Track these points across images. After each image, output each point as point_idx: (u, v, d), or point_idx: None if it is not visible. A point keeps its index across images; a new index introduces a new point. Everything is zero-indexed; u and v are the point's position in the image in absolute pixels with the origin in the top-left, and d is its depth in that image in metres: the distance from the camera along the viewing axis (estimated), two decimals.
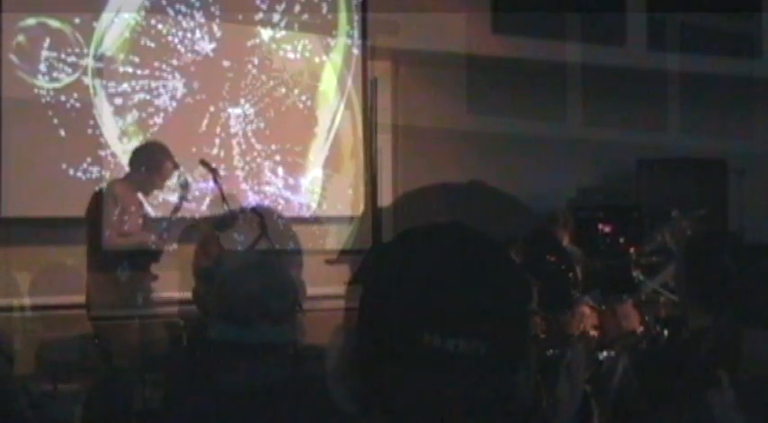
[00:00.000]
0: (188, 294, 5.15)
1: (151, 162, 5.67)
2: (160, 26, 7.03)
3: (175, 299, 5.54)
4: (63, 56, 6.71)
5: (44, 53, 6.65)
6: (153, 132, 6.89)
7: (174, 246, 5.69)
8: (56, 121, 6.66)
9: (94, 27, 6.81)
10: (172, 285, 5.63)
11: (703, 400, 2.31)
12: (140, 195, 5.73)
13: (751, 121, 9.28)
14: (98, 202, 5.68)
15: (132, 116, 6.90)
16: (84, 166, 6.71)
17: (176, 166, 5.80)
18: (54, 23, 6.69)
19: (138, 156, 5.75)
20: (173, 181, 5.89)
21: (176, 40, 7.07)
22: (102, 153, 6.77)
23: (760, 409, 2.32)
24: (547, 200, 7.66)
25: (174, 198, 5.96)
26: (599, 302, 5.90)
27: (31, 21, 6.62)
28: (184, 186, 5.75)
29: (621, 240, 7.75)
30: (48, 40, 6.66)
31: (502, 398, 1.08)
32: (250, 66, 7.32)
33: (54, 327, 6.18)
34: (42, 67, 6.65)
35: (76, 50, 6.75)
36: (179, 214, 5.74)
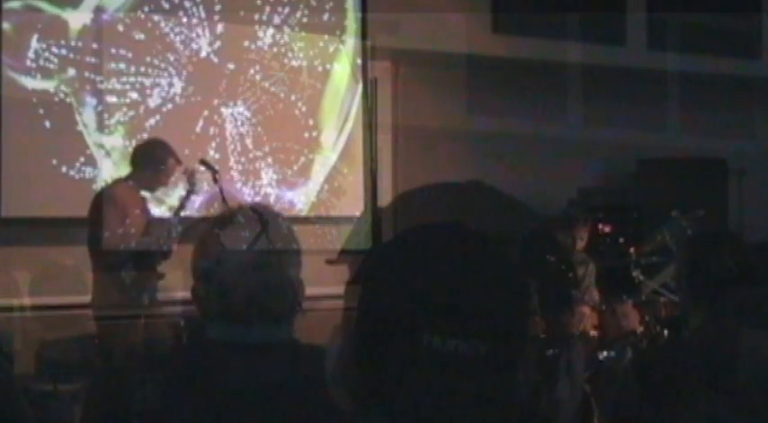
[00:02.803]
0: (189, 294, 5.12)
1: (154, 160, 5.61)
2: (161, 24, 7.02)
3: (180, 299, 5.51)
4: (57, 51, 6.68)
5: (35, 47, 6.60)
6: (150, 131, 6.88)
7: (179, 244, 5.64)
8: (52, 118, 6.64)
9: (89, 21, 6.78)
10: (176, 285, 5.60)
11: (703, 401, 2.31)
12: (144, 194, 5.70)
13: (751, 121, 9.28)
14: (100, 202, 5.65)
15: (128, 114, 6.88)
16: (79, 165, 6.70)
17: (179, 162, 5.74)
18: (46, 16, 6.64)
19: (140, 154, 5.68)
20: (177, 177, 5.85)
21: (176, 39, 7.06)
22: (98, 152, 6.76)
23: (760, 410, 2.32)
24: (547, 200, 7.66)
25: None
26: (599, 302, 5.90)
27: (19, 11, 6.57)
28: (191, 179, 5.71)
29: (621, 240, 7.75)
30: (37, 34, 6.61)
31: (502, 398, 1.08)
32: (248, 65, 7.31)
33: (54, 327, 6.18)
34: (34, 63, 6.61)
35: (70, 45, 6.71)
36: (184, 212, 5.71)
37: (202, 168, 5.90)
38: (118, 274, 5.44)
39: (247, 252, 2.04)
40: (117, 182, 5.86)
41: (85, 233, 5.67)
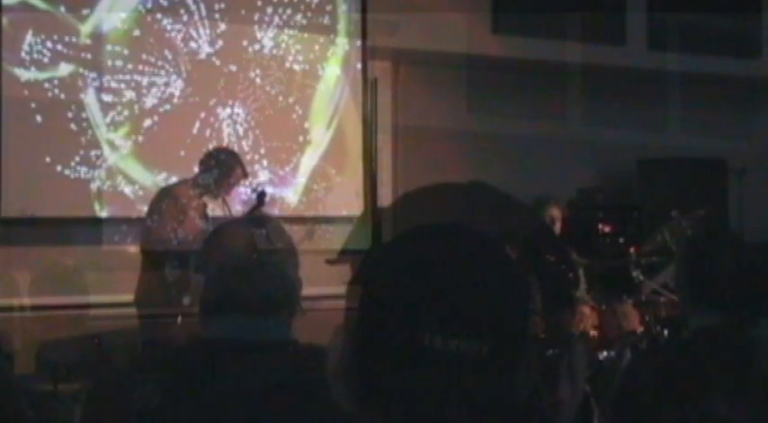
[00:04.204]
0: None
1: (221, 167, 5.67)
2: (158, 22, 7.01)
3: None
4: (57, 46, 6.66)
5: (30, 40, 6.58)
6: (149, 130, 6.88)
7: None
8: (53, 117, 6.63)
9: (88, 16, 6.77)
10: None
11: (704, 401, 2.31)
12: (206, 199, 5.73)
13: (751, 121, 9.28)
14: (160, 199, 5.70)
15: (126, 113, 6.87)
16: (81, 165, 6.69)
17: (246, 175, 5.82)
18: (41, 9, 6.63)
19: (209, 159, 5.74)
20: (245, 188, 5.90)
21: (174, 38, 7.05)
22: (98, 151, 6.75)
23: (761, 409, 2.32)
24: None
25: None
26: (599, 302, 5.90)
27: (14, 4, 6.55)
28: (261, 196, 5.75)
29: (621, 240, 7.75)
30: (31, 29, 6.58)
31: (503, 398, 1.07)
32: (246, 65, 7.30)
33: (54, 327, 6.18)
34: (28, 56, 6.59)
35: (67, 39, 6.68)
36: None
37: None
38: (163, 271, 5.46)
39: (248, 251, 2.04)
40: (180, 182, 5.91)
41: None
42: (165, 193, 5.77)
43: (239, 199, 5.93)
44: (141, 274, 5.61)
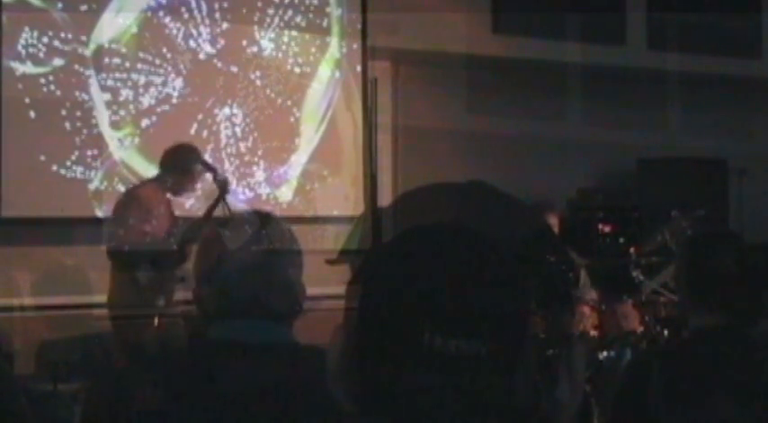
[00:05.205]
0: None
1: (181, 164, 5.68)
2: (158, 21, 7.01)
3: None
4: (54, 43, 6.65)
5: (27, 36, 6.56)
6: (148, 130, 6.88)
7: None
8: (53, 116, 6.62)
9: (88, 12, 6.76)
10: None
11: (704, 401, 2.31)
12: (169, 197, 5.73)
13: (751, 121, 9.28)
14: (124, 201, 5.70)
15: (124, 113, 6.86)
16: (78, 164, 6.69)
17: (208, 169, 5.83)
18: (38, 7, 6.61)
19: (169, 157, 5.74)
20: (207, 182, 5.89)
21: (173, 38, 7.05)
22: (97, 151, 6.75)
23: (761, 409, 2.32)
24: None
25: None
26: (599, 302, 5.90)
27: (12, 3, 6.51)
28: (223, 185, 5.73)
29: (621, 240, 7.75)
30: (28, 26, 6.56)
31: (502, 398, 1.07)
32: (246, 66, 7.30)
33: (54, 327, 6.18)
34: (30, 53, 6.58)
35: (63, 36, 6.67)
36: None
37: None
38: (135, 273, 5.46)
39: (248, 252, 2.04)
40: (143, 182, 5.92)
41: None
42: (129, 195, 5.77)
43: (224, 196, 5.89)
44: (113, 276, 5.58)
